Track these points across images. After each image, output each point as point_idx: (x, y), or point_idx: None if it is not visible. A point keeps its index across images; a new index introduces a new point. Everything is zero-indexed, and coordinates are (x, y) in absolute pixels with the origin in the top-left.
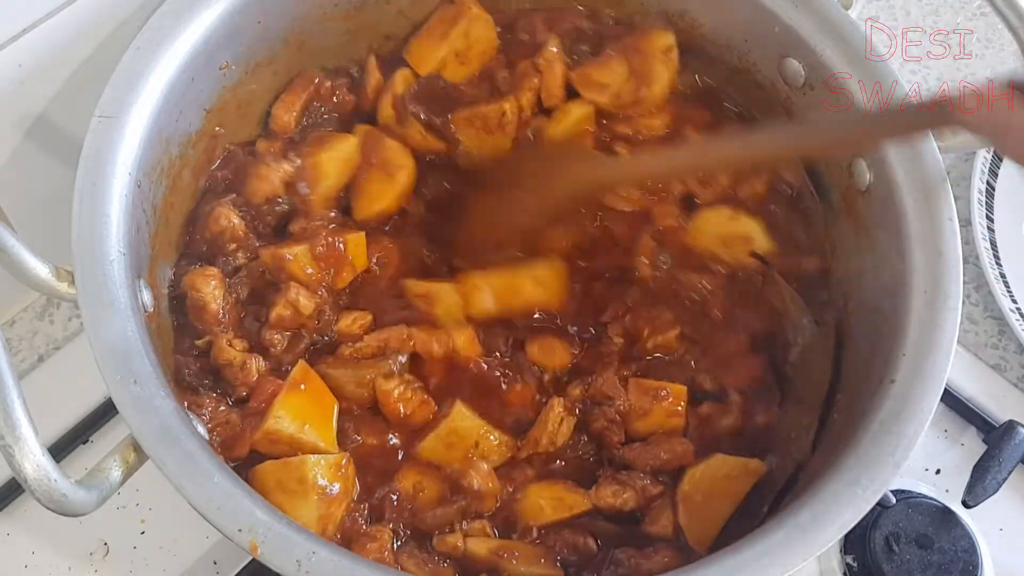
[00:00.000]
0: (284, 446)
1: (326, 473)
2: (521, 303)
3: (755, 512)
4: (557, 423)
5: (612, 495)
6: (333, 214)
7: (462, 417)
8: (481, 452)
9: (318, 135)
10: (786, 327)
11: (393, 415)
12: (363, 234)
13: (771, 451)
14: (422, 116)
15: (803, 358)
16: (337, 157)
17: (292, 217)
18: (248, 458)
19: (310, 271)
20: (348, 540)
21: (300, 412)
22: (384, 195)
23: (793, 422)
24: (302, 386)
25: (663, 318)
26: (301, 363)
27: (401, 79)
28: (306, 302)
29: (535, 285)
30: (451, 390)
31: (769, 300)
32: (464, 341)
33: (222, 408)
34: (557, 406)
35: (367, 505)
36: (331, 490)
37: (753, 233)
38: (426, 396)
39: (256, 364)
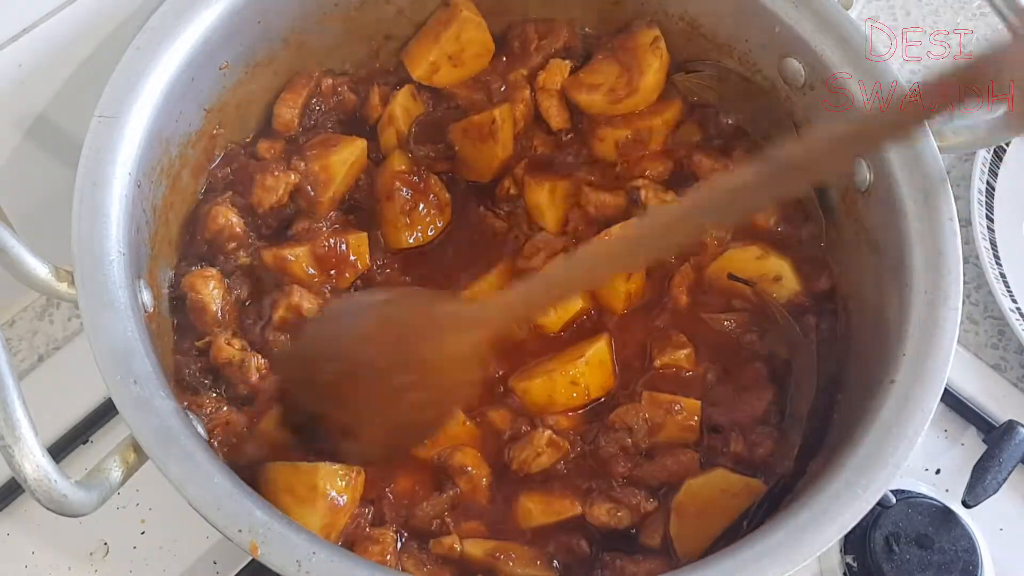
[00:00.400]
0: None
1: (336, 484)
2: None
3: (737, 526)
4: (534, 454)
5: (606, 514)
6: (334, 214)
7: (454, 418)
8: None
9: (324, 137)
10: (785, 345)
11: None
12: (365, 234)
13: (760, 469)
14: (431, 154)
15: (796, 375)
16: (347, 160)
17: (296, 218)
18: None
19: (312, 272)
20: (351, 543)
21: None
22: (434, 225)
23: (784, 441)
24: None
25: (676, 339)
26: None
27: (402, 111)
28: (309, 305)
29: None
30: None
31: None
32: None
33: (223, 408)
34: (540, 438)
35: (371, 509)
36: (339, 501)
37: (783, 272)
38: None
39: (255, 362)
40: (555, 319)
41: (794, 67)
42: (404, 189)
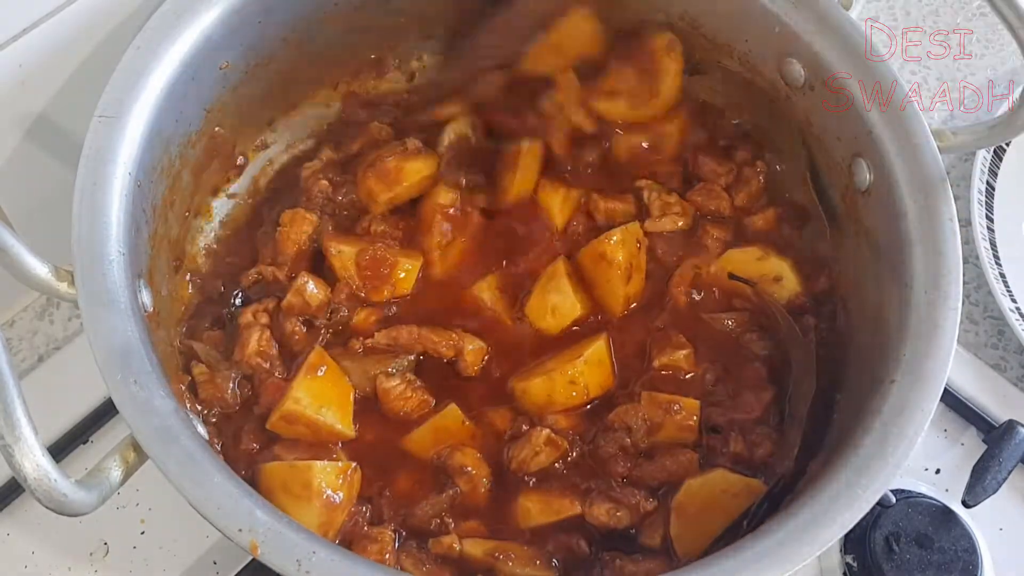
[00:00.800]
0: (302, 427)
1: (331, 481)
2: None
3: (737, 526)
4: (532, 453)
5: (606, 514)
6: (402, 223)
7: (454, 417)
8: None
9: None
10: (785, 345)
11: (391, 413)
12: (419, 263)
13: (760, 470)
14: (463, 180)
15: (796, 375)
16: (421, 171)
17: (362, 214)
18: (266, 444)
19: (349, 272)
20: (349, 542)
21: (319, 394)
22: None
23: (784, 441)
24: (320, 370)
25: (675, 340)
26: (318, 348)
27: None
28: (314, 292)
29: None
30: (451, 393)
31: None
32: (472, 354)
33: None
34: (539, 437)
35: (369, 507)
36: (334, 498)
37: (783, 273)
38: (426, 396)
39: (261, 336)
40: (554, 323)
41: (794, 68)
42: (444, 224)
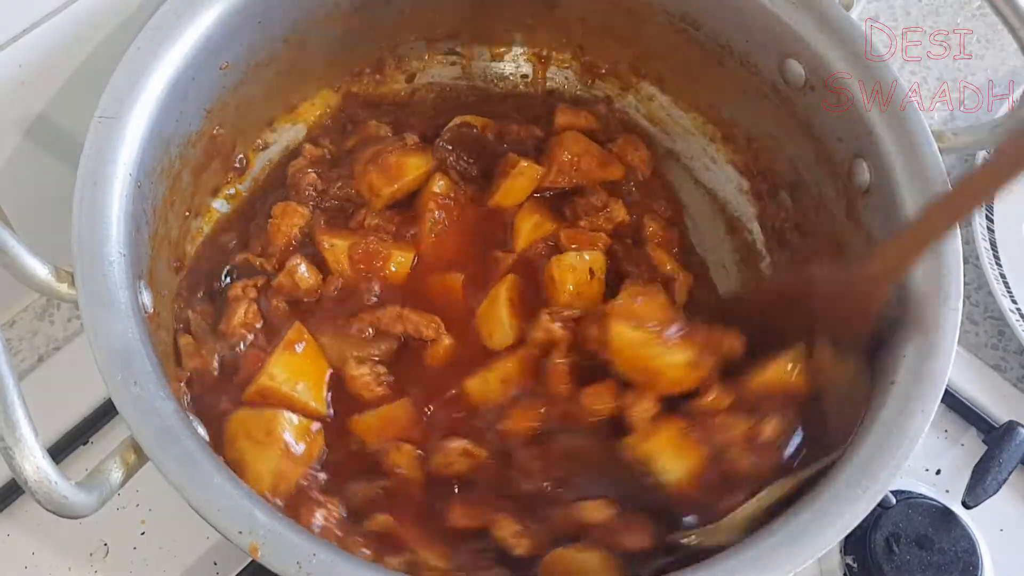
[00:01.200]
0: (275, 401)
1: (295, 432)
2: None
3: None
4: (446, 462)
5: (512, 536)
6: (397, 217)
7: (404, 409)
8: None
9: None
10: None
11: (354, 397)
12: (412, 255)
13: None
14: (461, 162)
15: None
16: (420, 166)
17: (355, 209)
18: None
19: (342, 266)
20: (298, 504)
21: (296, 370)
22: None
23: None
24: (298, 346)
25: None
26: (297, 324)
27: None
28: (304, 276)
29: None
30: (415, 384)
31: None
32: (442, 347)
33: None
34: (452, 448)
35: (325, 475)
36: (295, 448)
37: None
38: (388, 392)
39: (248, 308)
40: (494, 344)
41: (795, 68)
42: (437, 211)
